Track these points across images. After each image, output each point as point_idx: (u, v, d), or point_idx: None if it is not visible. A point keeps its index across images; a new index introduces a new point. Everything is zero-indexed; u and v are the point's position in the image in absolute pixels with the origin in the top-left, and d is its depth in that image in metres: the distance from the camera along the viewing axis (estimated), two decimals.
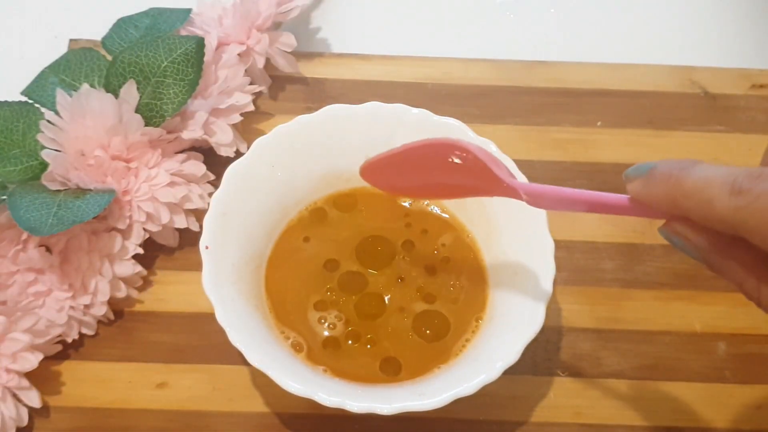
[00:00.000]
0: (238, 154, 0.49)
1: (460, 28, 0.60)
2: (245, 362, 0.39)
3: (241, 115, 0.51)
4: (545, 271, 0.42)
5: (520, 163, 0.45)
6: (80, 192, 0.45)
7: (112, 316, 0.46)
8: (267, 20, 0.53)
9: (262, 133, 0.48)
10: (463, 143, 0.37)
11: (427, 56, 0.57)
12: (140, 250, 0.47)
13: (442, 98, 0.54)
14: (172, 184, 0.47)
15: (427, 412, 0.38)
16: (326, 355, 0.43)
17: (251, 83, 0.52)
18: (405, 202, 0.47)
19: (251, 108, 0.51)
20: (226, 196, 0.44)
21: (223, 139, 0.50)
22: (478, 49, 0.58)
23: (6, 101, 0.48)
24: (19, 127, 0.48)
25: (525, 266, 0.43)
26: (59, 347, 0.45)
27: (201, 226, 0.44)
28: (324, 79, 0.55)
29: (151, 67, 0.48)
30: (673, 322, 0.47)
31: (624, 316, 0.47)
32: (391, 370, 0.43)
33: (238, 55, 0.52)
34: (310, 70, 0.56)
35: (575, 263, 0.49)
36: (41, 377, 0.44)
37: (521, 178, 0.44)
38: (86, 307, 0.45)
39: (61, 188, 0.46)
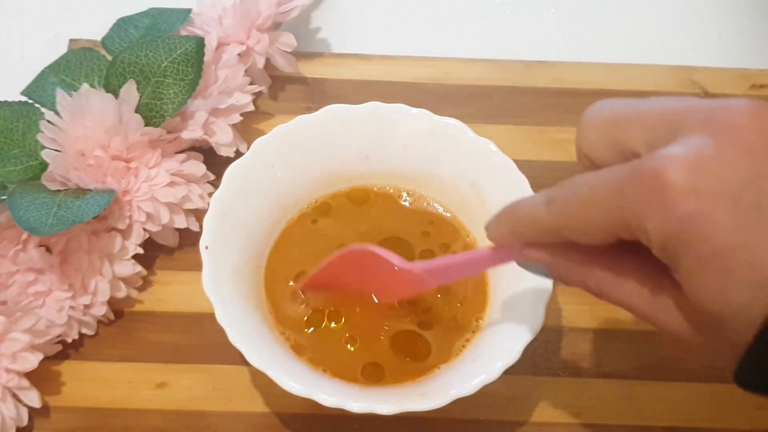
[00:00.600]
0: (238, 154, 0.49)
1: (460, 28, 0.60)
2: (245, 362, 0.39)
3: (241, 115, 0.51)
4: (545, 271, 0.42)
5: (520, 163, 0.45)
6: (80, 192, 0.45)
7: (112, 316, 0.46)
8: (267, 20, 0.53)
9: (262, 133, 0.48)
10: (364, 247, 0.41)
11: (427, 56, 0.57)
12: (140, 250, 0.47)
13: (442, 98, 0.54)
14: (172, 184, 0.47)
15: (427, 412, 0.38)
16: (324, 353, 0.43)
17: (251, 83, 0.52)
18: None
19: (251, 108, 0.51)
20: (226, 196, 0.44)
21: (223, 139, 0.50)
22: (478, 49, 0.58)
23: (6, 101, 0.48)
24: (19, 127, 0.48)
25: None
26: (59, 347, 0.45)
27: (201, 226, 0.44)
28: (324, 79, 0.55)
29: (151, 67, 0.48)
30: None
31: (624, 316, 0.47)
32: (388, 373, 0.43)
33: (238, 55, 0.52)
34: (310, 70, 0.56)
35: None
36: (41, 377, 0.44)
37: (521, 177, 0.44)
38: (86, 307, 0.45)
39: (61, 188, 0.46)
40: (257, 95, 0.53)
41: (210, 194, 0.48)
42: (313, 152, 0.47)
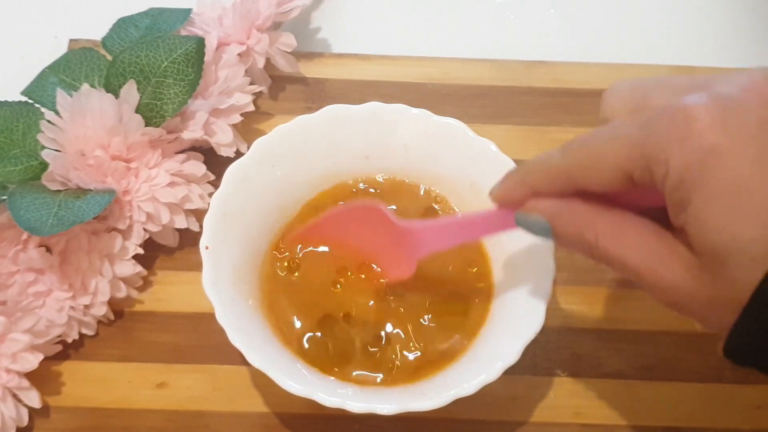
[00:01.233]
0: (238, 154, 0.49)
1: (461, 28, 0.60)
2: (245, 362, 0.39)
3: (241, 115, 0.51)
4: (545, 271, 0.42)
5: (520, 163, 0.45)
6: (80, 192, 0.45)
7: (112, 316, 0.46)
8: (267, 20, 0.53)
9: (262, 133, 0.48)
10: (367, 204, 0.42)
11: (427, 56, 0.57)
12: (140, 250, 0.47)
13: (442, 98, 0.54)
14: (172, 184, 0.47)
15: (427, 412, 0.38)
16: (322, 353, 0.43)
17: (251, 83, 0.52)
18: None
19: (251, 108, 0.51)
20: (226, 196, 0.44)
21: (223, 139, 0.50)
22: (478, 49, 0.58)
23: (6, 101, 0.48)
24: (19, 127, 0.48)
25: (525, 266, 0.43)
26: (59, 347, 0.45)
27: (201, 226, 0.44)
28: (324, 79, 0.55)
29: (151, 67, 0.48)
30: (673, 322, 0.47)
31: (624, 316, 0.47)
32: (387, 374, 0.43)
33: (238, 55, 0.52)
34: (310, 70, 0.56)
35: (575, 263, 0.48)
36: (41, 377, 0.44)
37: None
38: (86, 307, 0.45)
39: (62, 188, 0.46)
40: (257, 95, 0.53)
41: (210, 194, 0.48)
42: (313, 152, 0.47)
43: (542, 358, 0.46)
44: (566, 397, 0.45)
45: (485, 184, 0.46)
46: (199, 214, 0.48)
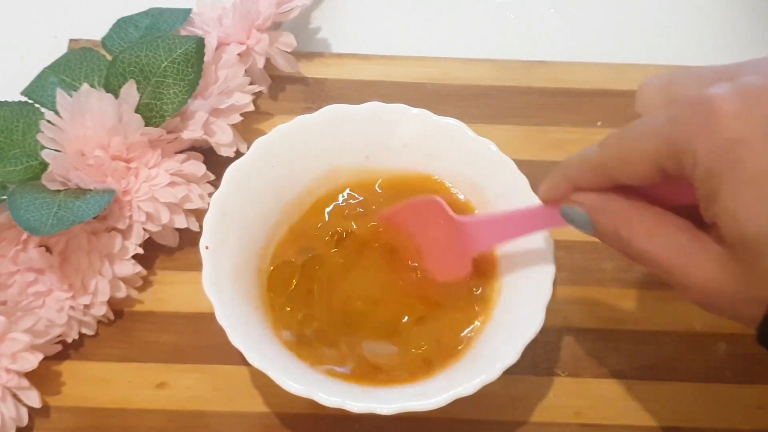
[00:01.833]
0: (238, 154, 0.49)
1: (461, 28, 0.60)
2: (245, 362, 0.39)
3: (241, 115, 0.51)
4: (545, 271, 0.42)
5: (520, 163, 0.45)
6: (80, 192, 0.45)
7: (112, 316, 0.46)
8: (267, 20, 0.53)
9: (262, 133, 0.48)
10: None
11: (427, 56, 0.57)
12: (140, 250, 0.47)
13: (442, 98, 0.54)
14: (172, 184, 0.47)
15: (427, 412, 0.38)
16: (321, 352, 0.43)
17: (251, 83, 0.52)
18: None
19: (251, 108, 0.51)
20: (226, 196, 0.44)
21: (223, 139, 0.50)
22: (478, 49, 0.58)
23: (6, 101, 0.48)
24: (19, 127, 0.48)
25: (525, 266, 0.43)
26: (59, 347, 0.45)
27: (201, 226, 0.44)
28: (324, 79, 0.55)
29: (151, 67, 0.48)
30: (673, 322, 0.47)
31: (624, 316, 0.47)
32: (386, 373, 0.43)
33: (238, 55, 0.52)
34: (310, 70, 0.56)
35: (575, 263, 0.49)
36: (41, 377, 0.44)
37: (521, 177, 0.44)
38: (86, 307, 0.45)
39: (61, 188, 0.46)
40: (257, 95, 0.53)
41: (210, 194, 0.48)
42: (313, 152, 0.47)
43: (542, 358, 0.46)
44: (566, 397, 0.45)
45: (485, 184, 0.46)
46: (199, 214, 0.48)
